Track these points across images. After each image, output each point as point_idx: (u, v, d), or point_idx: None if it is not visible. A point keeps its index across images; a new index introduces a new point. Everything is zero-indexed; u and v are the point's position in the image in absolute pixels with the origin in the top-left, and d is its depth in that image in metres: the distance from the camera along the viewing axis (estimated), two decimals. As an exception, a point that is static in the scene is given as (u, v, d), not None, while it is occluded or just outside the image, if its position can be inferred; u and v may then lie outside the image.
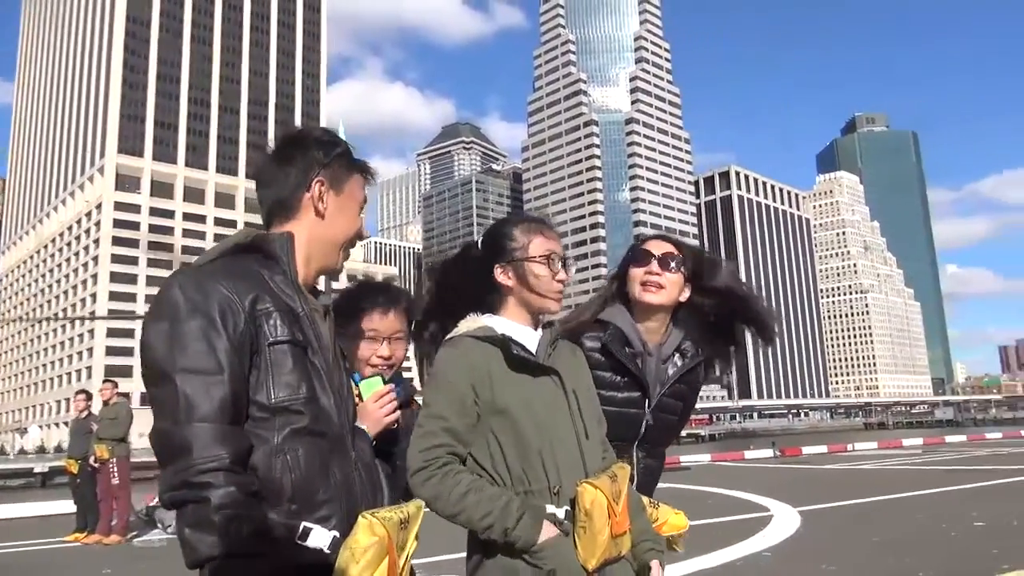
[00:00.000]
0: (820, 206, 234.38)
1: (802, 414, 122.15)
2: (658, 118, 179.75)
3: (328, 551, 1.33)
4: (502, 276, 1.71)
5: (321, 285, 1.63)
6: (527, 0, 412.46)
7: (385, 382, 1.78)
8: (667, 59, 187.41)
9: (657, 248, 1.98)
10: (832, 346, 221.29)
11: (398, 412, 1.77)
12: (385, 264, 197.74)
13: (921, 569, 5.57)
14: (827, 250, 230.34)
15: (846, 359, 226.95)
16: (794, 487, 13.05)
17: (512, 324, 1.70)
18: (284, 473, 1.33)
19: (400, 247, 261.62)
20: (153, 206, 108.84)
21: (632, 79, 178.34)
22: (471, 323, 1.69)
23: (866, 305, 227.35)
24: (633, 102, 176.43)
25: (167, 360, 1.28)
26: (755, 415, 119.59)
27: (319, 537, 1.34)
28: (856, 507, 9.89)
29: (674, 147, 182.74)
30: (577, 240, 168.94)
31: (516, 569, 1.55)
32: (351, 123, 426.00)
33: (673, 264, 1.95)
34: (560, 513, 1.58)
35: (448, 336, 1.70)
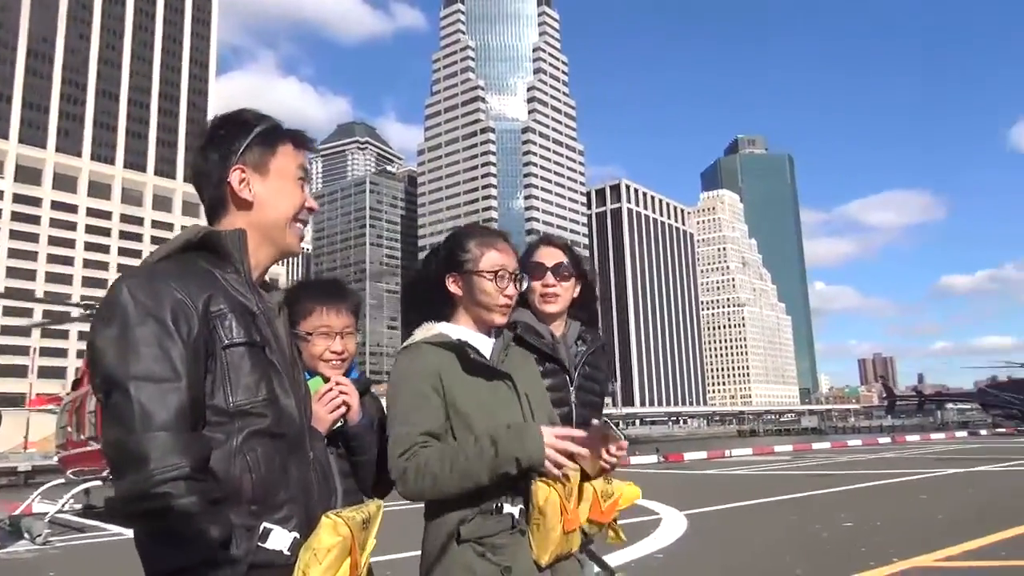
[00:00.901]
0: (703, 222, 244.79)
1: (681, 421, 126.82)
2: (554, 129, 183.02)
3: (288, 552, 1.31)
4: (452, 286, 1.78)
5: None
6: (428, 2, 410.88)
7: (345, 375, 1.87)
8: (564, 72, 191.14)
9: (549, 258, 2.11)
10: (710, 356, 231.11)
11: (343, 408, 1.81)
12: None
13: (798, 567, 5.94)
14: (708, 264, 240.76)
15: (723, 369, 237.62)
16: (679, 491, 13.54)
17: (466, 331, 1.77)
18: (243, 474, 1.29)
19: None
20: (18, 192, 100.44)
21: (530, 89, 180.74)
22: (426, 331, 1.75)
23: (742, 318, 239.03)
24: (530, 112, 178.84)
25: (119, 367, 1.22)
26: (637, 422, 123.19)
27: (279, 538, 1.31)
28: (737, 510, 10.42)
29: (568, 158, 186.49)
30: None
31: (473, 567, 1.59)
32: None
33: (565, 271, 2.11)
34: (516, 512, 1.64)
35: (404, 344, 1.77)
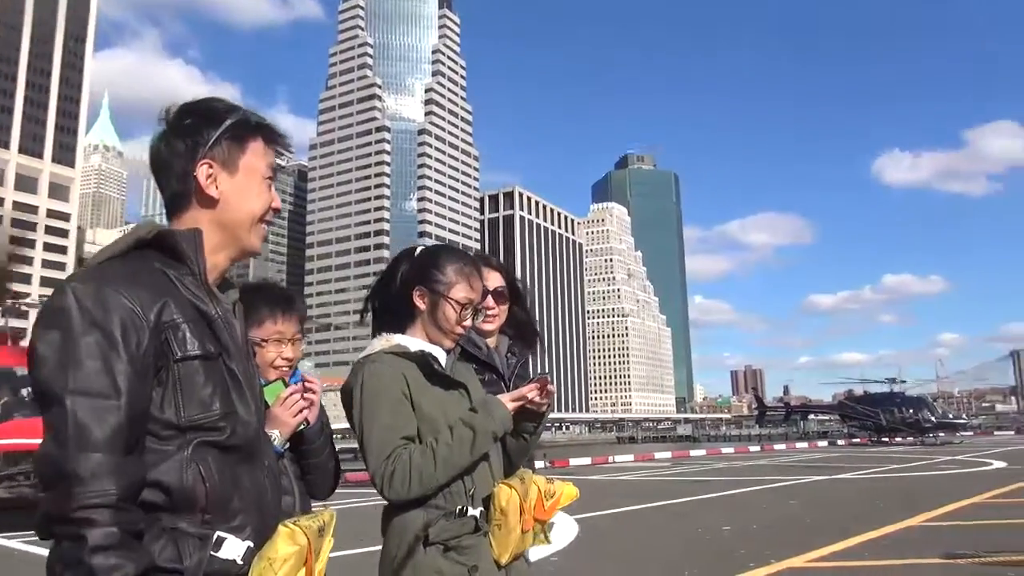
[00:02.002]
0: (592, 233, 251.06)
1: (564, 427, 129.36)
2: (450, 132, 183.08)
3: (241, 561, 1.27)
4: (418, 300, 1.87)
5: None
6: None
7: (289, 382, 1.85)
8: (462, 75, 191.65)
9: (491, 282, 2.20)
10: (594, 364, 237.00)
11: (305, 410, 1.82)
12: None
13: (686, 568, 6.24)
14: (595, 274, 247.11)
15: (605, 376, 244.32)
16: (566, 496, 13.85)
17: (422, 343, 1.86)
18: (197, 483, 1.24)
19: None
20: None
21: (427, 91, 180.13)
22: (385, 342, 1.83)
23: (626, 328, 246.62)
24: (427, 113, 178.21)
25: (57, 379, 1.15)
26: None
27: (232, 547, 1.27)
28: (625, 514, 10.76)
29: (463, 162, 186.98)
30: (360, 246, 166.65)
31: (442, 569, 1.67)
32: (118, 96, 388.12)
33: (503, 294, 2.26)
34: (477, 514, 1.74)
35: (363, 355, 1.84)
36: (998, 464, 19.19)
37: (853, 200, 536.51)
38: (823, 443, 43.20)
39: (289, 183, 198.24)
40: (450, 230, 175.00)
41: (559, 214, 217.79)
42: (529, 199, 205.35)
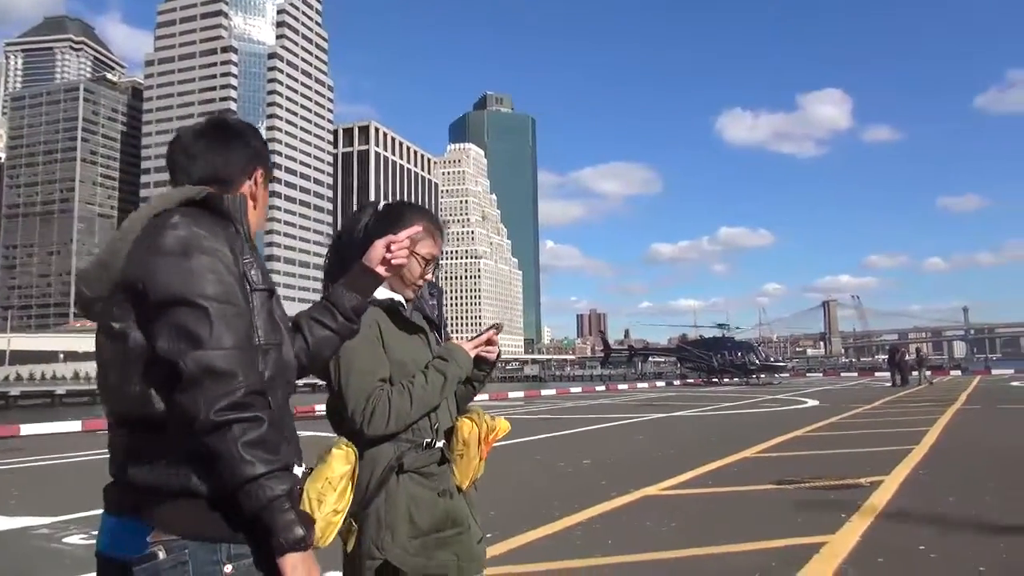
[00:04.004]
0: (448, 173, 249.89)
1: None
2: (303, 59, 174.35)
3: (301, 478, 1.43)
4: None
5: None
6: None
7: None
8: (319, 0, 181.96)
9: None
10: (446, 305, 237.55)
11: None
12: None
13: (555, 499, 6.65)
14: (450, 215, 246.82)
15: (458, 317, 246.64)
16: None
17: (387, 292, 1.99)
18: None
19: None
20: None
21: (280, 12, 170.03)
22: None
23: (479, 270, 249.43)
24: (279, 37, 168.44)
25: (192, 288, 1.29)
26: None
27: (296, 469, 1.41)
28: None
29: (317, 92, 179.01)
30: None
31: (415, 493, 1.87)
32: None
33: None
34: (441, 445, 1.96)
35: None
36: (812, 402, 21.35)
37: (698, 155, 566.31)
38: (661, 383, 46.20)
39: (122, 102, 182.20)
40: (302, 162, 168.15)
41: (415, 152, 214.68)
42: (385, 135, 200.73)
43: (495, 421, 2.08)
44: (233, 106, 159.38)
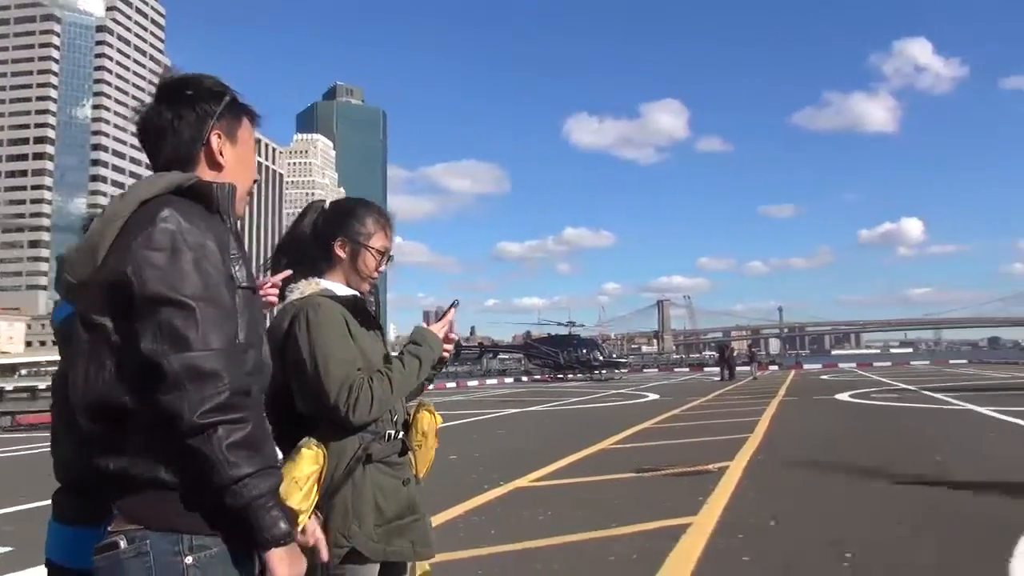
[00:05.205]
0: (294, 164, 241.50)
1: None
2: (137, 34, 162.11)
3: None
4: (339, 249, 2.05)
5: None
6: None
7: None
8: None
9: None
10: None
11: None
12: None
13: (429, 495, 6.77)
14: (296, 207, 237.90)
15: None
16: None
17: (345, 288, 2.04)
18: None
19: None
20: None
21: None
22: (313, 286, 1.99)
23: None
24: (109, 8, 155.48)
25: (180, 288, 1.27)
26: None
27: None
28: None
29: (151, 71, 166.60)
30: (16, 153, 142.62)
31: (381, 482, 1.92)
32: None
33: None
34: (402, 436, 2.03)
35: (295, 298, 1.97)
36: (653, 396, 22.70)
37: (547, 156, 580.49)
38: (509, 380, 47.22)
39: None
40: (132, 144, 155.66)
41: (259, 140, 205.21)
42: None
43: (437, 414, 2.21)
44: (54, 80, 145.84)
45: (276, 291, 1.96)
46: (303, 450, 1.57)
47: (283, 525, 1.27)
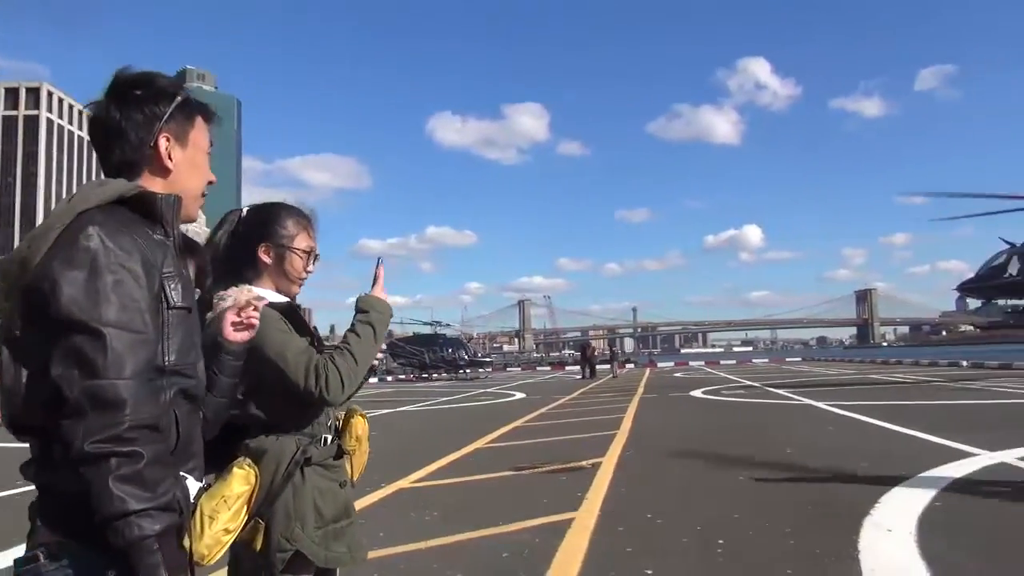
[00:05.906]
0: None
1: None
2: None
3: (193, 501, 1.40)
4: (263, 254, 2.05)
5: None
6: None
7: None
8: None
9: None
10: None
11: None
12: None
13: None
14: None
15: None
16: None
17: (276, 294, 2.04)
18: (172, 427, 1.33)
19: None
20: None
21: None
22: (245, 292, 1.89)
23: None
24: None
25: (92, 312, 1.22)
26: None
27: (191, 487, 1.38)
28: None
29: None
30: None
31: (320, 485, 1.94)
32: None
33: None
34: (338, 440, 2.05)
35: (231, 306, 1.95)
36: (520, 395, 23.14)
37: (410, 153, 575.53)
38: (373, 379, 46.46)
39: None
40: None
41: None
42: (61, 100, 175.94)
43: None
44: None
45: (258, 314, 1.84)
46: (235, 469, 1.55)
47: (162, 574, 1.19)
